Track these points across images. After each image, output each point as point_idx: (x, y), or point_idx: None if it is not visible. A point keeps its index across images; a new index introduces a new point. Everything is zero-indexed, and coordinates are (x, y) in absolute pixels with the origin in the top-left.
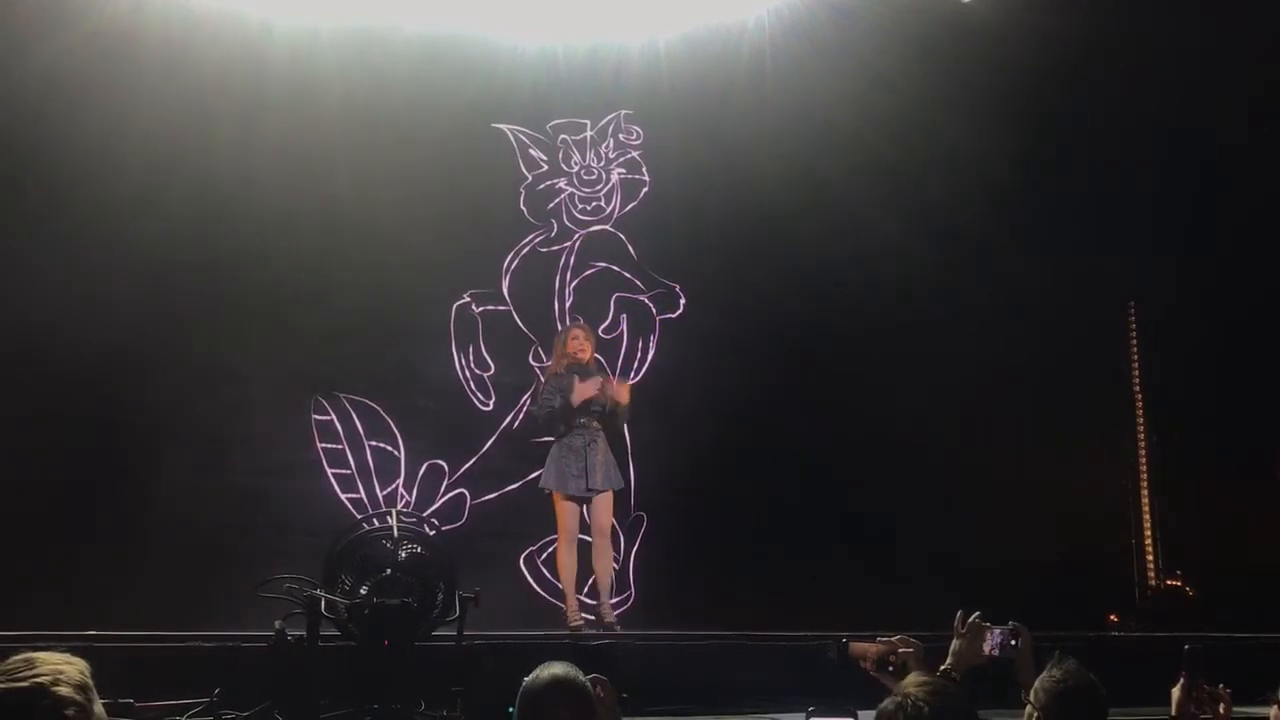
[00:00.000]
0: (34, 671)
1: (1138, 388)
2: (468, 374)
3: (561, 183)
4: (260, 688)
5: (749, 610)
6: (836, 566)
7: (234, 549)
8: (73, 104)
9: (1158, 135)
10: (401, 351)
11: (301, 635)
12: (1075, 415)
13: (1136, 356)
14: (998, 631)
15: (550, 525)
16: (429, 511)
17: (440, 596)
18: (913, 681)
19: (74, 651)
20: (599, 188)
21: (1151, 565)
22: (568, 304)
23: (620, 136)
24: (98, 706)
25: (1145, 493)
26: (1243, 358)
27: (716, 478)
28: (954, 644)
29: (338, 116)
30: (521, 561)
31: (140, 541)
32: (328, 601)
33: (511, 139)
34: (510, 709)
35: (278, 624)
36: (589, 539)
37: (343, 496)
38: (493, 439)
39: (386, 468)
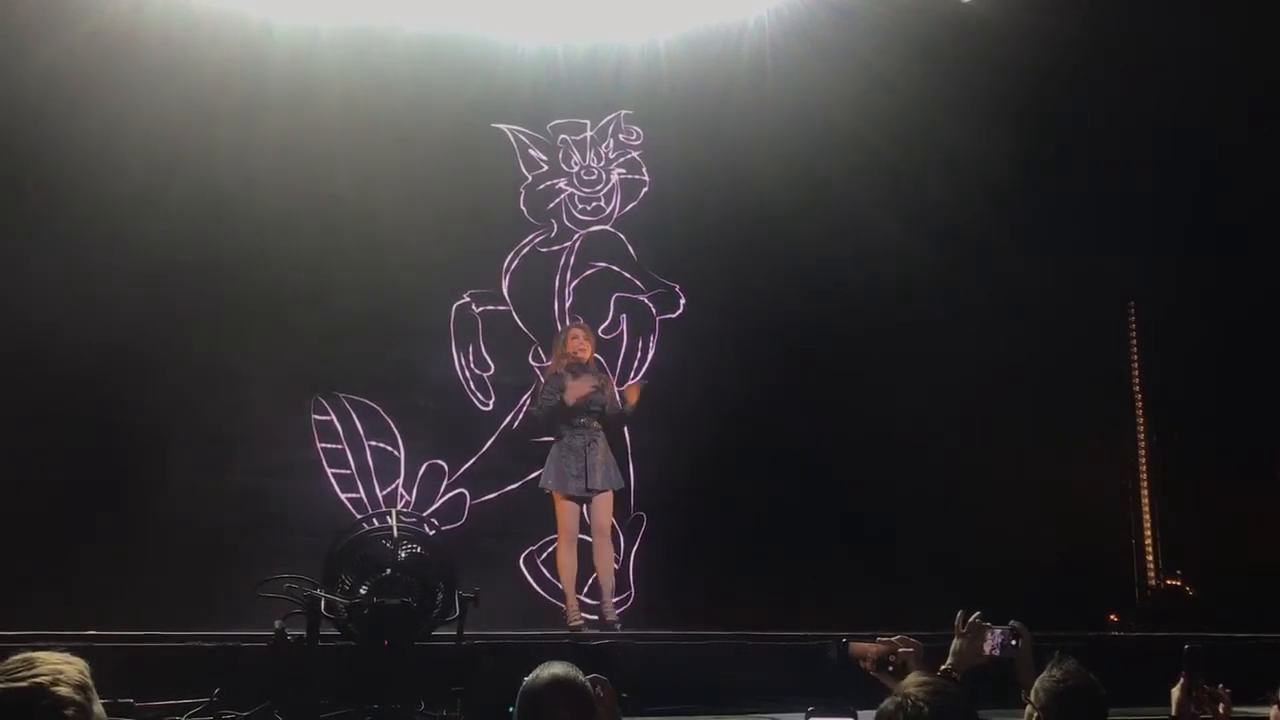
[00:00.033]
0: (33, 671)
1: (1138, 388)
2: (467, 374)
3: (561, 183)
4: (260, 688)
5: (749, 610)
6: (836, 566)
7: (234, 549)
8: (73, 104)
9: (1158, 135)
10: (401, 351)
11: (301, 635)
12: (1075, 415)
13: (1136, 356)
14: (998, 631)
15: (550, 525)
16: (429, 511)
17: (440, 596)
18: (913, 681)
19: (74, 651)
20: (599, 188)
21: (1151, 565)
22: (568, 304)
23: (620, 136)
24: (97, 706)
25: (1145, 493)
26: (1243, 358)
27: (716, 478)
28: (954, 644)
29: (338, 116)
30: (521, 561)
31: (140, 541)
32: (327, 601)
33: (511, 139)
34: (510, 709)
35: (278, 624)
36: (589, 539)
37: (343, 496)
38: (492, 439)
39: (386, 468)
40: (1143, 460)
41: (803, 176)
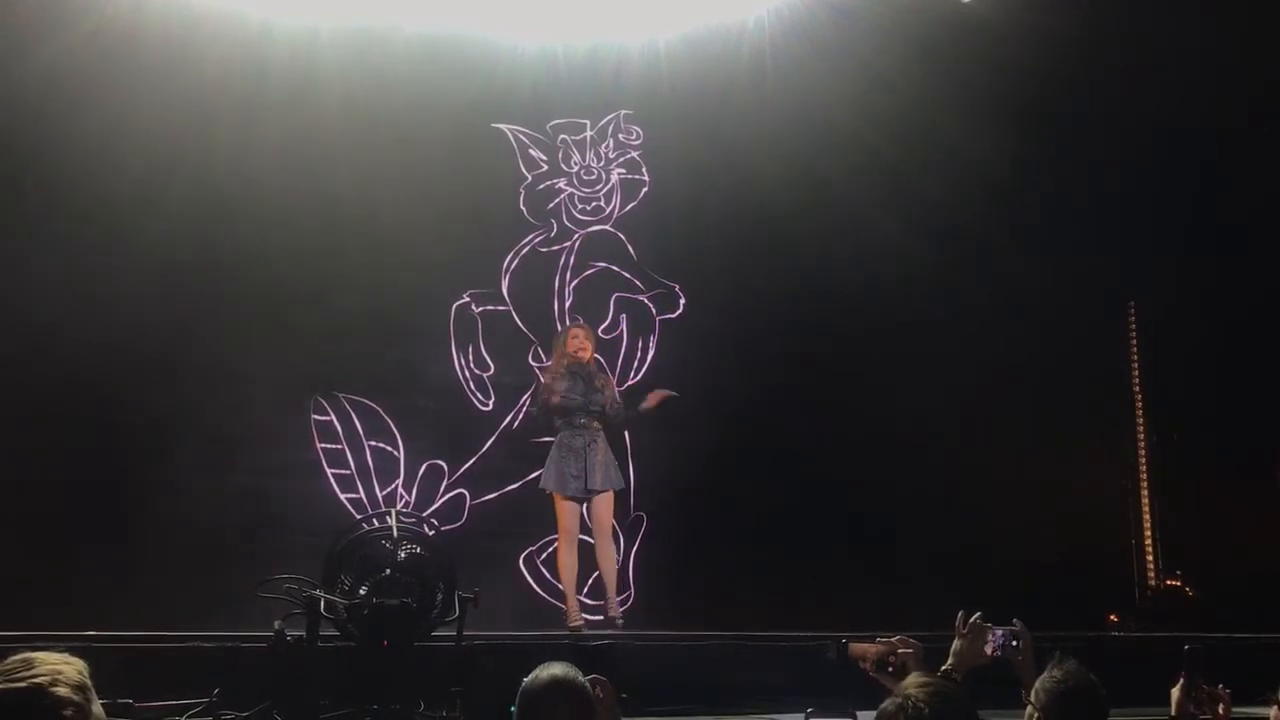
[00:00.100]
0: (32, 672)
1: (1138, 388)
2: (467, 374)
3: (561, 183)
4: (260, 688)
5: (749, 610)
6: (836, 566)
7: (234, 549)
8: (73, 104)
9: (1158, 135)
10: (401, 351)
11: (301, 635)
12: (1075, 415)
13: (1136, 356)
14: (999, 632)
15: (550, 525)
16: (429, 512)
17: (440, 597)
18: (914, 682)
19: (72, 652)
20: (599, 188)
21: (1151, 565)
22: (567, 304)
23: (620, 136)
24: (96, 707)
25: (1145, 493)
26: (1243, 358)
27: (716, 478)
28: (955, 644)
29: (338, 116)
30: (521, 562)
31: (140, 541)
32: (327, 602)
33: (511, 139)
34: (511, 709)
35: (277, 624)
36: (589, 539)
37: (342, 496)
38: (492, 439)
39: (386, 468)
40: (1143, 460)
41: (803, 176)
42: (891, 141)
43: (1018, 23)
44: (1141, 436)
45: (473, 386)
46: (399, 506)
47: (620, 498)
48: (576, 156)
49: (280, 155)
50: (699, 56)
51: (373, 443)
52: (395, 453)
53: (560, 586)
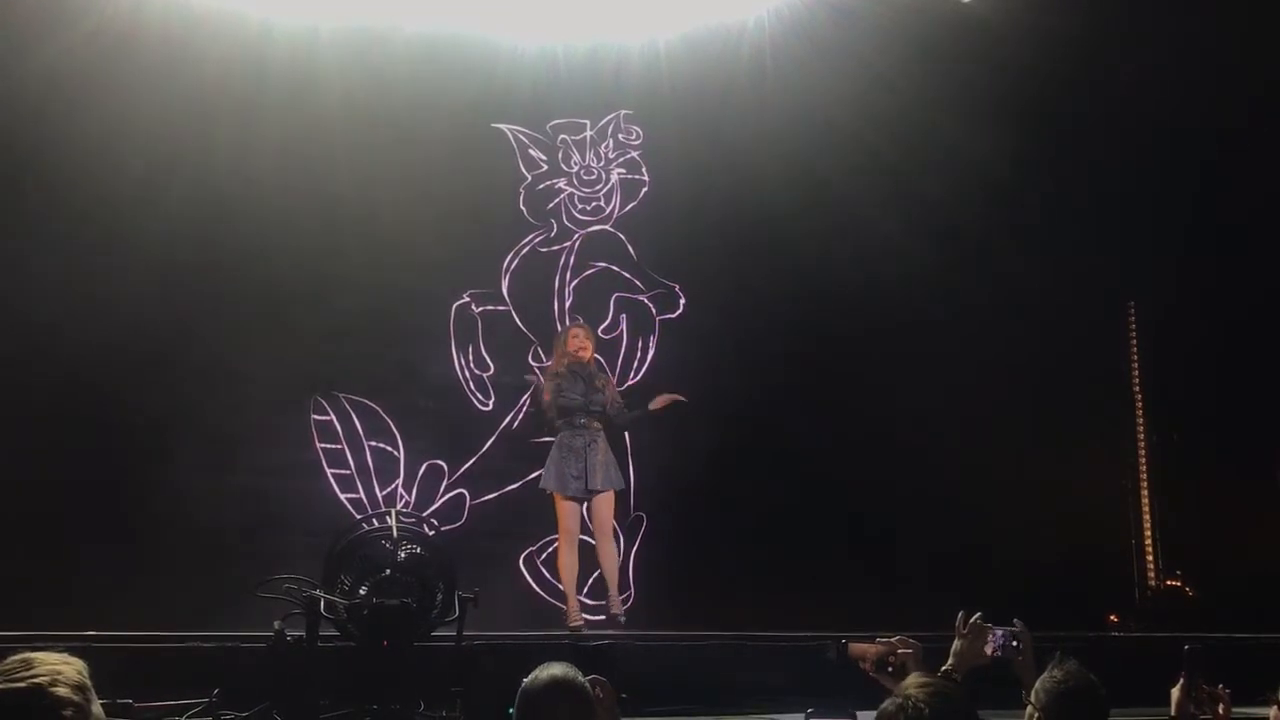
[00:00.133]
0: (32, 672)
1: (1138, 388)
2: (467, 374)
3: (561, 183)
4: (260, 688)
5: (749, 610)
6: (836, 566)
7: (234, 549)
8: (73, 104)
9: (1158, 135)
10: (401, 351)
11: (301, 635)
12: (1075, 415)
13: (1136, 356)
14: (999, 632)
15: (550, 525)
16: (428, 512)
17: (439, 597)
18: (914, 682)
19: (72, 652)
20: (599, 188)
21: (1151, 565)
22: (567, 304)
23: (620, 136)
24: (96, 707)
25: (1145, 493)
26: (1243, 358)
27: (716, 478)
28: (955, 644)
29: (338, 116)
30: (521, 562)
31: (140, 541)
32: (327, 602)
33: (511, 139)
34: (510, 710)
35: (277, 624)
36: (589, 540)
37: (342, 496)
38: (492, 439)
39: (386, 468)
40: (1143, 460)
41: (803, 176)
42: (891, 141)
43: (1018, 23)
44: (1141, 436)
45: (473, 386)
46: (399, 506)
47: (620, 498)
48: (576, 156)
49: (280, 155)
50: (699, 56)
51: (373, 443)
52: (395, 453)
53: (560, 586)
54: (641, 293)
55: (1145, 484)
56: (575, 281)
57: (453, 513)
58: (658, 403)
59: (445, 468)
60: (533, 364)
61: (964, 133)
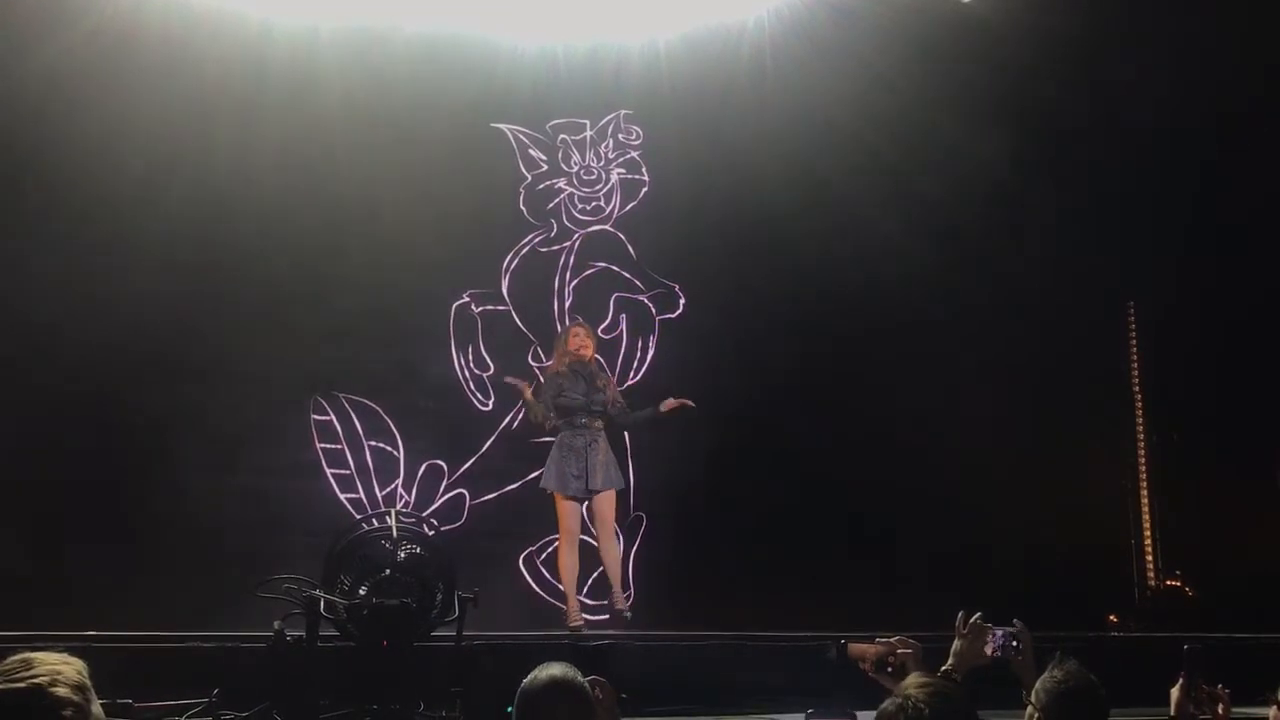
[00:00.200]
0: (31, 672)
1: (1138, 388)
2: (467, 374)
3: (561, 183)
4: (259, 688)
5: (749, 610)
6: (836, 566)
7: (234, 549)
8: (73, 104)
9: (1158, 135)
10: (401, 351)
11: (300, 636)
12: (1075, 415)
13: (1136, 356)
14: (999, 633)
15: (550, 525)
16: (428, 512)
17: (439, 597)
18: (914, 682)
19: (72, 652)
20: (599, 188)
21: (1151, 565)
22: (567, 304)
23: (620, 136)
24: (95, 707)
25: (1145, 493)
26: (1243, 358)
27: (716, 478)
28: (955, 644)
29: (338, 116)
30: (521, 562)
31: (140, 541)
32: (327, 602)
33: (511, 139)
34: (509, 709)
35: (277, 624)
36: (590, 540)
37: (342, 497)
38: (492, 439)
39: (386, 468)
40: (1143, 460)
41: (803, 176)
42: (891, 141)
43: (1018, 23)
44: (1141, 436)
45: (472, 386)
46: (399, 506)
47: (620, 498)
48: (576, 156)
49: (280, 155)
50: (699, 56)
51: (372, 443)
52: (395, 453)
53: (560, 586)
54: (641, 293)
55: (1145, 484)
56: (575, 281)
57: (452, 513)
58: (668, 404)
59: (445, 468)
60: (533, 364)
61: (964, 133)
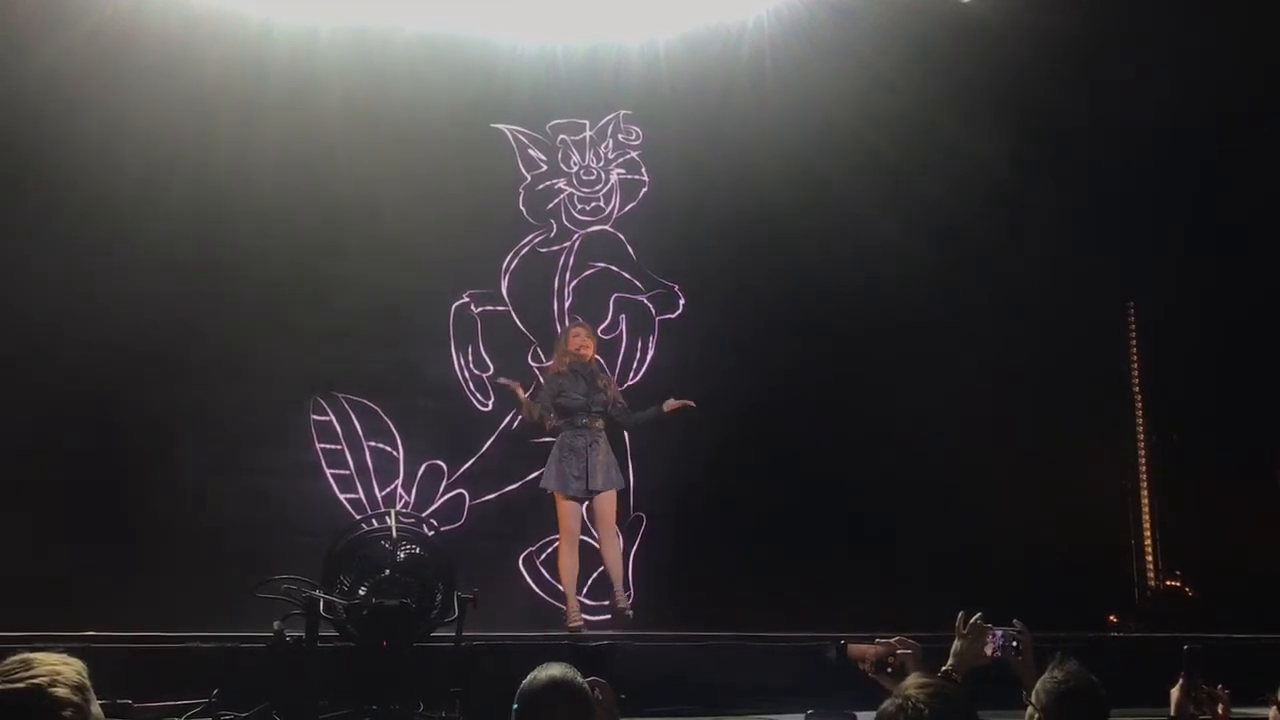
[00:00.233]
0: (31, 673)
1: (1138, 388)
2: (467, 374)
3: (561, 183)
4: (259, 688)
5: (749, 610)
6: (836, 566)
7: (234, 549)
8: (73, 104)
9: (1158, 135)
10: (401, 351)
11: (300, 636)
12: (1075, 415)
13: (1136, 356)
14: (999, 633)
15: (550, 526)
16: (428, 512)
17: (439, 597)
18: (914, 683)
19: (72, 652)
20: (598, 188)
21: (1151, 565)
22: (567, 304)
23: (620, 137)
24: (95, 707)
25: (1145, 493)
26: (1243, 358)
27: (716, 478)
28: (955, 645)
29: (338, 116)
30: (520, 562)
31: (140, 541)
32: (326, 602)
33: (511, 139)
34: (516, 706)
35: (276, 624)
36: (590, 540)
37: (342, 497)
38: (492, 439)
39: (385, 468)
40: (1143, 460)
41: (803, 176)
42: (891, 141)
43: (1018, 23)
44: (1141, 436)
45: (472, 387)
46: (398, 507)
47: (620, 498)
48: (576, 156)
49: (280, 155)
50: (699, 56)
51: (372, 443)
52: (395, 453)
53: (560, 587)
54: (641, 293)
55: (1145, 484)
56: (575, 282)
57: (452, 513)
58: (671, 405)
59: (445, 468)
60: (533, 364)
61: (964, 133)
